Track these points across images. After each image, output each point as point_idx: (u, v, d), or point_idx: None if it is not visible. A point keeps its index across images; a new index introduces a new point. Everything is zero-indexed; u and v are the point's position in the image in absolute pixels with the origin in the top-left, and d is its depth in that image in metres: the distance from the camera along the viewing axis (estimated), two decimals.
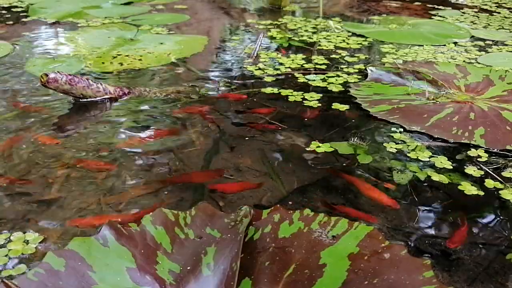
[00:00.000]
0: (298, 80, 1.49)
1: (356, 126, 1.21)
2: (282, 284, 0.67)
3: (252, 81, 1.50)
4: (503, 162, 1.05)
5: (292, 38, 1.96)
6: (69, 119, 1.23)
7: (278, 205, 0.84)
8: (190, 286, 0.67)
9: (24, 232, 0.80)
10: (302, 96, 1.36)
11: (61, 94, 1.29)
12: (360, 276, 0.68)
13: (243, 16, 2.43)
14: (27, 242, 0.78)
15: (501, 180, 0.98)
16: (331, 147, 1.09)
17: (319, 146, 1.10)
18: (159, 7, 2.49)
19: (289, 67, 1.61)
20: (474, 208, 0.91)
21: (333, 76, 1.52)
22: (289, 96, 1.36)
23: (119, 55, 1.70)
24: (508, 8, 2.67)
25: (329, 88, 1.43)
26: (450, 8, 2.61)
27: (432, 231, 0.84)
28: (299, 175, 0.99)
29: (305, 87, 1.43)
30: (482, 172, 1.01)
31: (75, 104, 1.29)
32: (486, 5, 2.74)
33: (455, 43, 1.95)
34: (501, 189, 0.96)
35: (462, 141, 1.12)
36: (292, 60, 1.68)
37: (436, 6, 2.65)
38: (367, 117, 1.25)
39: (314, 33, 2.05)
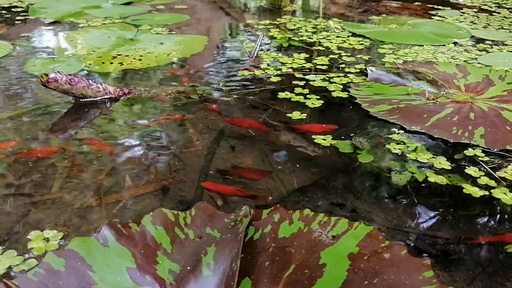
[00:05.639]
0: (297, 82, 1.49)
1: (357, 126, 1.21)
2: (282, 284, 0.67)
3: (252, 80, 1.50)
4: (499, 162, 1.05)
5: (292, 38, 1.96)
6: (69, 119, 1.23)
7: (278, 205, 0.84)
8: (190, 286, 0.67)
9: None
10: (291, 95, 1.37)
11: (61, 93, 1.29)
12: (360, 276, 0.68)
13: (243, 16, 2.43)
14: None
15: (500, 180, 0.98)
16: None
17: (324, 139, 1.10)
18: (159, 7, 2.49)
19: (291, 67, 1.61)
20: (474, 208, 0.91)
21: (334, 77, 1.52)
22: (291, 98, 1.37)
23: (119, 55, 1.70)
24: (508, 8, 2.68)
25: (330, 88, 1.43)
26: (450, 8, 2.62)
27: (431, 231, 0.84)
28: (299, 174, 1.00)
29: (306, 87, 1.44)
30: (482, 173, 1.01)
31: (75, 104, 1.30)
32: (485, 5, 2.75)
33: (455, 43, 1.95)
34: (500, 188, 0.96)
35: (462, 141, 1.12)
36: (293, 60, 1.68)
37: (436, 6, 2.65)
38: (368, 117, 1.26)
39: (314, 33, 2.05)
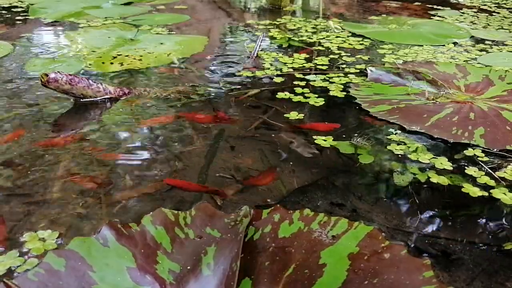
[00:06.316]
0: (298, 83, 1.49)
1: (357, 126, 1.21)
2: (282, 284, 0.68)
3: (253, 80, 1.50)
4: (499, 162, 1.05)
5: (292, 38, 1.96)
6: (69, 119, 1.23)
7: (278, 205, 0.84)
8: (190, 286, 0.67)
9: None
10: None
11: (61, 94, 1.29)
12: (360, 276, 0.68)
13: (243, 16, 2.43)
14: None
15: (500, 180, 0.98)
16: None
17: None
18: (159, 7, 2.49)
19: (292, 67, 1.61)
20: (474, 208, 0.91)
21: (334, 77, 1.52)
22: (292, 98, 1.36)
23: (119, 55, 1.70)
24: (508, 8, 2.68)
25: (330, 88, 1.43)
26: (449, 8, 2.62)
27: (432, 231, 0.84)
28: (299, 175, 1.00)
29: (307, 87, 1.44)
30: (482, 173, 1.01)
31: (75, 104, 1.29)
32: (485, 5, 2.75)
33: (455, 43, 1.95)
34: (500, 188, 0.96)
35: (462, 141, 1.12)
36: (293, 60, 1.68)
37: (436, 6, 2.65)
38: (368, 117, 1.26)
39: (314, 33, 2.05)
